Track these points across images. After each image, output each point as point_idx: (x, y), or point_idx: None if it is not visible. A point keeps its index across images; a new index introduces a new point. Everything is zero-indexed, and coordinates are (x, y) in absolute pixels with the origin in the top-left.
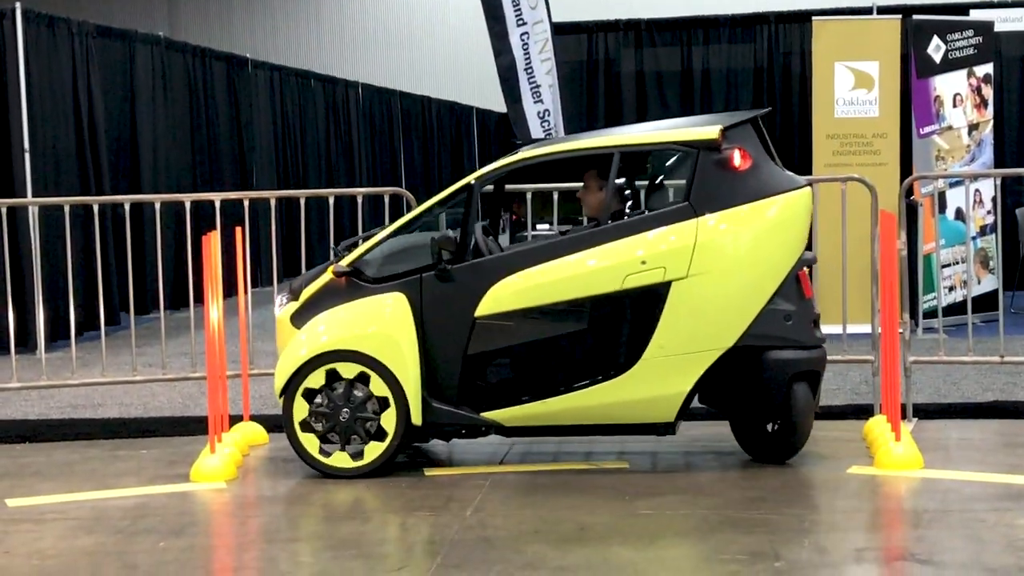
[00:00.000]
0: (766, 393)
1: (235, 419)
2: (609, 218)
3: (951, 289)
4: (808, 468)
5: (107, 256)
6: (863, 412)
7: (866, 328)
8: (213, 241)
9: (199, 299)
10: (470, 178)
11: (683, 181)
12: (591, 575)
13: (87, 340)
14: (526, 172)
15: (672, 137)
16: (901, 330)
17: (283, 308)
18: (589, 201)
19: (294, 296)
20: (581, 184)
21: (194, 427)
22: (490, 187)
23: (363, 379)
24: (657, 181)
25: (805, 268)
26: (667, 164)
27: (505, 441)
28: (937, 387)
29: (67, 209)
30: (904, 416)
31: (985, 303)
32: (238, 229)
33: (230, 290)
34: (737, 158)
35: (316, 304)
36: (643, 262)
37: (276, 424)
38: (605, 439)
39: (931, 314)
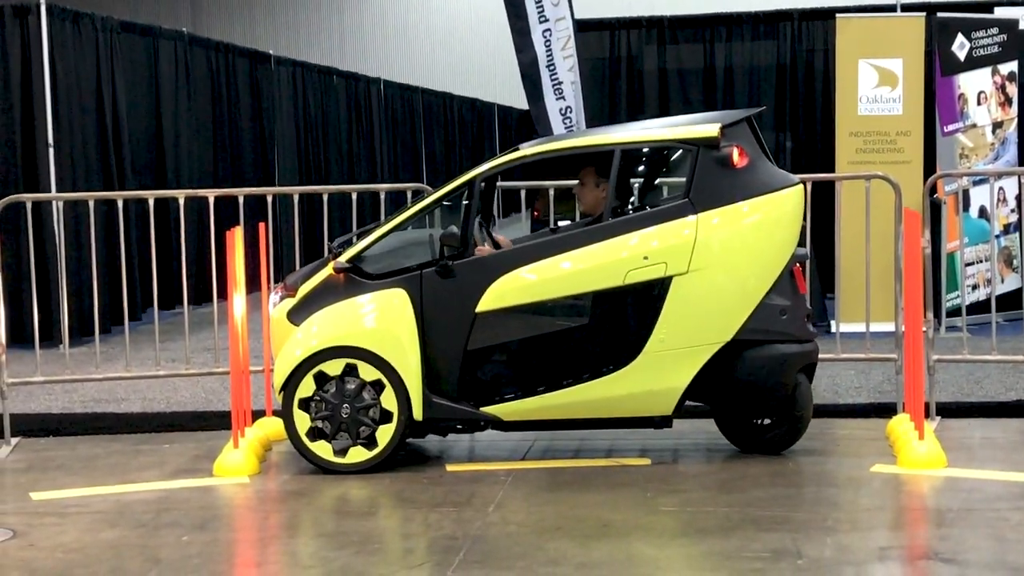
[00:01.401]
0: (761, 386)
1: (258, 414)
2: (609, 215)
3: (974, 288)
4: (831, 466)
5: (131, 251)
6: (886, 410)
7: (889, 326)
8: (236, 236)
9: (222, 294)
10: (471, 174)
11: (679, 179)
12: (613, 572)
13: (111, 335)
14: (528, 169)
15: (672, 135)
16: (924, 328)
17: (278, 305)
18: (585, 198)
19: (290, 292)
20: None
21: (217, 422)
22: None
23: (351, 371)
24: (652, 178)
25: (798, 264)
26: (663, 161)
27: (527, 437)
28: (960, 386)
29: (91, 204)
30: (927, 415)
31: (1009, 302)
32: (261, 225)
33: (253, 285)
34: (736, 156)
35: (315, 300)
36: (645, 257)
37: None
38: (627, 434)
39: (954, 312)
